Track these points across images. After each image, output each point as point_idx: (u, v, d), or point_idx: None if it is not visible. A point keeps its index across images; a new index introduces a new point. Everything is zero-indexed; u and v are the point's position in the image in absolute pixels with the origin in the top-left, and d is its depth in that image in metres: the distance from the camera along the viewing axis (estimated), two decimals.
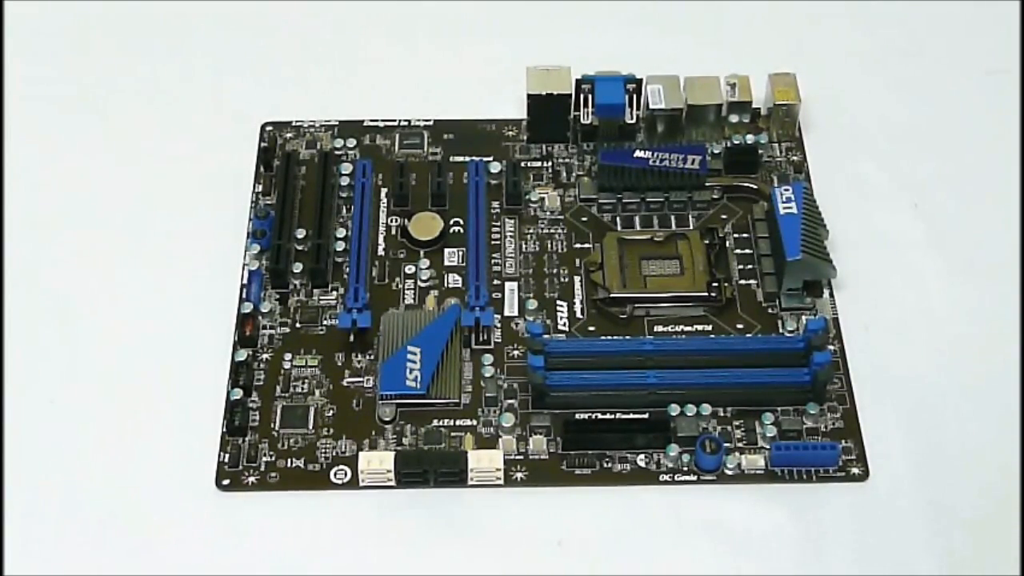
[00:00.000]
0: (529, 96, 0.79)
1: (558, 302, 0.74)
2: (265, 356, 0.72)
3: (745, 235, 0.77)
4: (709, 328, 0.73)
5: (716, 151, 0.80)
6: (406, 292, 0.75)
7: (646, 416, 0.69)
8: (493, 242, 0.77)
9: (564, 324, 0.73)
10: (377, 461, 0.67)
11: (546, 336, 0.71)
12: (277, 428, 0.69)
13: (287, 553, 0.66)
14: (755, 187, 0.78)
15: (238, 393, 0.70)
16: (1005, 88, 0.84)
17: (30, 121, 0.82)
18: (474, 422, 0.70)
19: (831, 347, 0.71)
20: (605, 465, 0.68)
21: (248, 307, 0.73)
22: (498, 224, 0.77)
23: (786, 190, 0.75)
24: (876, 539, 0.66)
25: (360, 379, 0.71)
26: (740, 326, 0.73)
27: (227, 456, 0.68)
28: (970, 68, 0.85)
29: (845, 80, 0.84)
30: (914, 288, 0.75)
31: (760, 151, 0.80)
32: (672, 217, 0.77)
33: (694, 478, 0.68)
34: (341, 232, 0.76)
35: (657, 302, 0.73)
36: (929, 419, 0.70)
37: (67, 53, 0.86)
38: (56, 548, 0.66)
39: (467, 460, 0.67)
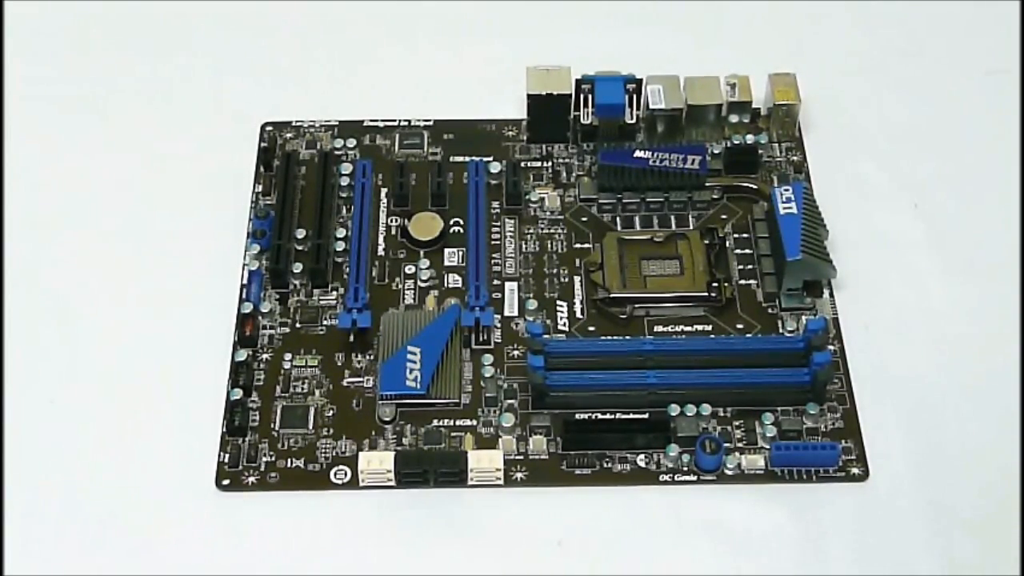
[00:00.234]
0: (529, 96, 0.79)
1: (558, 302, 0.74)
2: (265, 356, 0.72)
3: (745, 235, 0.77)
4: (709, 328, 0.73)
5: (716, 151, 0.80)
6: (406, 292, 0.75)
7: (646, 416, 0.69)
8: (493, 242, 0.77)
9: (564, 324, 0.73)
10: (377, 461, 0.67)
11: (546, 336, 0.71)
12: (277, 428, 0.69)
13: (287, 553, 0.66)
14: (755, 187, 0.78)
15: (238, 393, 0.70)
16: (1005, 88, 0.84)
17: (30, 121, 0.82)
18: (474, 422, 0.70)
19: (831, 347, 0.71)
20: (605, 465, 0.68)
21: (248, 307, 0.73)
22: (498, 224, 0.77)
23: (786, 190, 0.75)
24: (876, 539, 0.66)
25: (360, 379, 0.71)
26: (740, 326, 0.73)
27: (227, 456, 0.68)
28: (970, 68, 0.85)
29: (845, 80, 0.84)
30: (914, 288, 0.75)
31: (760, 151, 0.80)
32: (672, 217, 0.77)
33: (694, 478, 0.68)
34: (341, 232, 0.76)
35: (657, 302, 0.73)
36: (929, 419, 0.70)
37: (67, 53, 0.86)
38: (56, 548, 0.66)
39: (467, 460, 0.67)
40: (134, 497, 0.67)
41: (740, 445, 0.69)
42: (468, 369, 0.71)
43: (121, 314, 0.74)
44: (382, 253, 0.76)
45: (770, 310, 0.74)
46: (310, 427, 0.70)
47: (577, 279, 0.75)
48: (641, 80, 0.79)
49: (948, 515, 0.67)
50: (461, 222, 0.77)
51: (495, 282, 0.75)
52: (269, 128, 0.82)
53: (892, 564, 0.65)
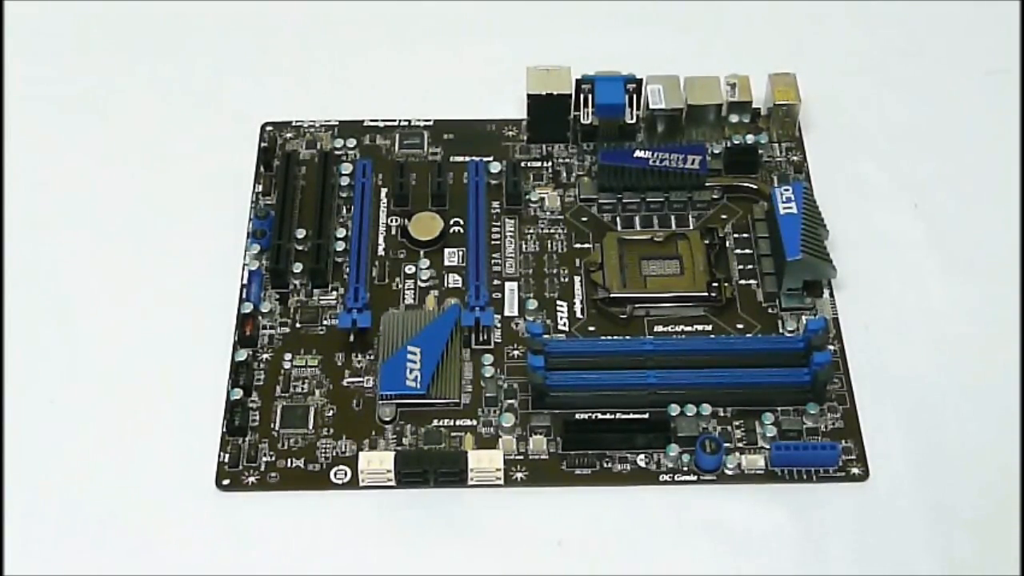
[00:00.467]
0: (529, 96, 0.79)
1: (558, 302, 0.74)
2: (265, 356, 0.72)
3: (745, 235, 0.77)
4: (709, 328, 0.73)
5: (716, 151, 0.80)
6: (406, 292, 0.75)
7: (646, 416, 0.69)
8: (493, 242, 0.77)
9: (564, 324, 0.73)
10: (377, 461, 0.67)
11: (546, 336, 0.71)
12: (277, 428, 0.69)
13: (287, 553, 0.66)
14: (755, 187, 0.78)
15: (238, 393, 0.70)
16: (1005, 88, 0.84)
17: (30, 121, 0.82)
18: (474, 422, 0.70)
19: (831, 347, 0.71)
20: (605, 465, 0.68)
21: (248, 307, 0.73)
22: (498, 224, 0.77)
23: (786, 190, 0.75)
24: (876, 539, 0.66)
25: (360, 379, 0.71)
26: (740, 326, 0.73)
27: (227, 456, 0.68)
28: (970, 68, 0.85)
29: (845, 80, 0.84)
30: (914, 288, 0.75)
31: (760, 151, 0.80)
32: (672, 217, 0.77)
33: (694, 478, 0.68)
34: (341, 232, 0.76)
35: (657, 302, 0.73)
36: (929, 419, 0.70)
37: (67, 53, 0.86)
38: (56, 548, 0.66)
39: (467, 460, 0.67)
40: (134, 497, 0.67)
41: (740, 445, 0.69)
42: (468, 369, 0.71)
43: (121, 314, 0.74)
44: (382, 253, 0.76)
45: (770, 310, 0.74)
46: (310, 427, 0.70)
47: (577, 279, 0.75)
48: (641, 80, 0.79)
49: (948, 515, 0.67)
50: (461, 222, 0.77)
51: (495, 282, 0.75)
52: (269, 128, 0.82)
53: (892, 564, 0.65)
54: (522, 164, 0.80)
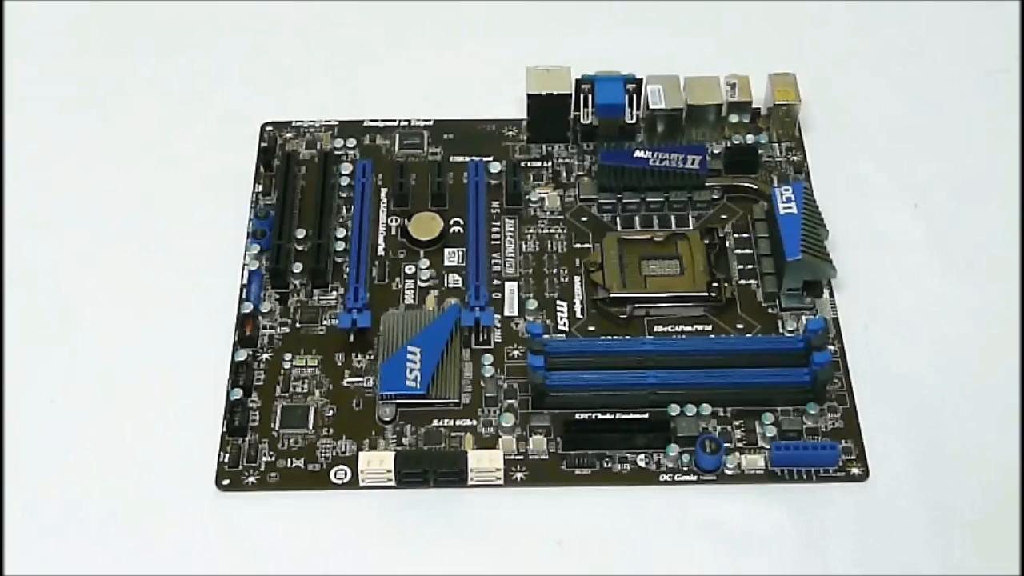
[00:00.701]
0: (529, 96, 0.79)
1: (558, 302, 0.74)
2: (265, 356, 0.72)
3: (745, 235, 0.77)
4: (709, 328, 0.73)
5: (716, 151, 0.80)
6: (406, 292, 0.75)
7: (646, 416, 0.69)
8: (493, 242, 0.77)
9: (564, 324, 0.73)
10: (377, 461, 0.67)
11: (546, 336, 0.71)
12: (277, 428, 0.69)
13: (287, 553, 0.66)
14: (755, 187, 0.78)
15: (238, 393, 0.70)
16: (1005, 88, 0.84)
17: (30, 121, 0.82)
18: (474, 422, 0.70)
19: (831, 347, 0.71)
20: (605, 465, 0.68)
21: (248, 307, 0.73)
22: (498, 224, 0.77)
23: (786, 190, 0.75)
24: (876, 539, 0.66)
25: (360, 379, 0.71)
26: (740, 326, 0.73)
27: (227, 456, 0.68)
28: (970, 68, 0.85)
29: (845, 80, 0.84)
30: (914, 288, 0.75)
31: (760, 151, 0.80)
32: (672, 217, 0.77)
33: (694, 478, 0.68)
34: (341, 232, 0.76)
35: (657, 302, 0.73)
36: (929, 419, 0.70)
37: (67, 53, 0.86)
38: (56, 548, 0.66)
39: (467, 460, 0.67)
40: (134, 497, 0.67)
41: (740, 445, 0.69)
42: (468, 369, 0.71)
43: (121, 314, 0.74)
44: (382, 253, 0.76)
45: (770, 310, 0.74)
46: (310, 427, 0.70)
47: (577, 279, 0.75)
48: (641, 80, 0.79)
49: (948, 515, 0.67)
50: (461, 222, 0.77)
51: (495, 282, 0.75)
52: (269, 128, 0.82)
53: (892, 564, 0.65)
54: (522, 164, 0.80)
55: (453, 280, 0.75)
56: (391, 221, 0.78)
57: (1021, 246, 0.76)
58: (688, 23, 0.88)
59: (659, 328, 0.73)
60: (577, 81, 0.79)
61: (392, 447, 0.69)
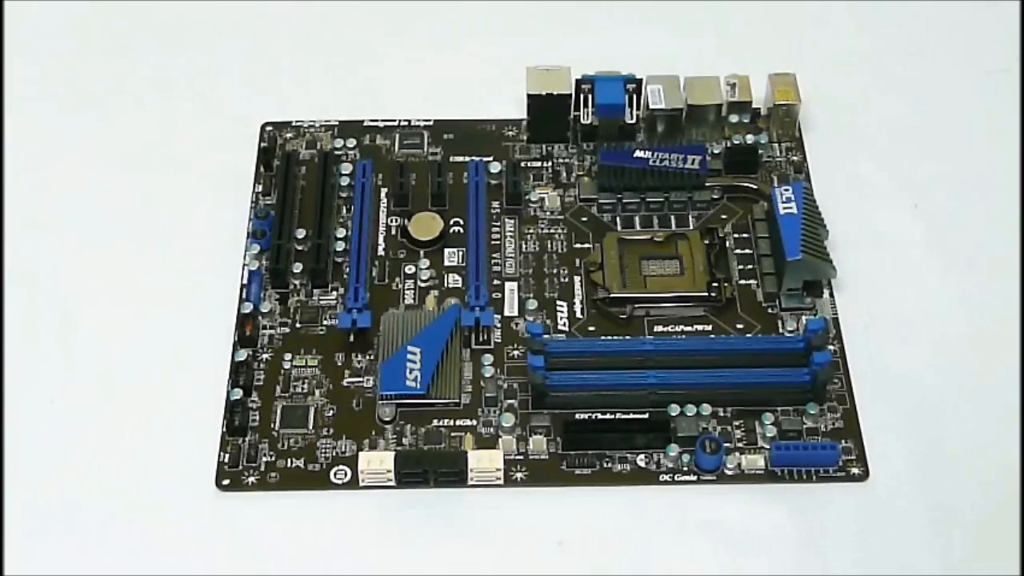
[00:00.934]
0: (529, 96, 0.79)
1: (558, 302, 0.74)
2: (265, 356, 0.72)
3: (745, 235, 0.77)
4: (709, 328, 0.73)
5: (716, 151, 0.80)
6: (406, 292, 0.75)
7: (646, 416, 0.69)
8: (493, 242, 0.77)
9: (564, 324, 0.73)
10: (377, 461, 0.67)
11: (546, 336, 0.71)
12: (277, 428, 0.69)
13: (287, 553, 0.66)
14: (755, 187, 0.78)
15: (238, 393, 0.70)
16: (1005, 88, 0.84)
17: (30, 121, 0.82)
18: (474, 422, 0.70)
19: (831, 347, 0.71)
20: (605, 465, 0.68)
21: (248, 307, 0.73)
22: (498, 224, 0.77)
23: (786, 190, 0.75)
24: (876, 539, 0.66)
25: (360, 379, 0.71)
26: (740, 326, 0.73)
27: (227, 456, 0.68)
28: (970, 68, 0.85)
29: (845, 80, 0.84)
30: (914, 288, 0.75)
31: (760, 151, 0.80)
32: (672, 217, 0.77)
33: (694, 478, 0.68)
34: (341, 232, 0.76)
35: (657, 302, 0.73)
36: (929, 419, 0.70)
37: (67, 53, 0.86)
38: (56, 548, 0.66)
39: (467, 460, 0.67)
40: (134, 497, 0.67)
41: (740, 445, 0.69)
42: (468, 369, 0.71)
43: (121, 314, 0.74)
44: (382, 253, 0.76)
45: (770, 310, 0.74)
46: (310, 427, 0.70)
47: (577, 279, 0.75)
48: (641, 80, 0.79)
49: (948, 515, 0.67)
50: (461, 222, 0.77)
51: (495, 282, 0.75)
52: (269, 128, 0.82)
53: (892, 564, 0.65)
54: (522, 164, 0.80)
55: (453, 280, 0.75)
56: (391, 221, 0.78)
57: (1021, 246, 0.76)
58: (688, 23, 0.88)
59: (659, 328, 0.73)
60: (577, 81, 0.79)
61: (392, 447, 0.69)
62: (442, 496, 0.68)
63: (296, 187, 0.78)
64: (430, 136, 0.82)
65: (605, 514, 0.67)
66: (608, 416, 0.70)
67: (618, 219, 0.77)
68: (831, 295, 0.74)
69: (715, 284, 0.73)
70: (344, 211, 0.78)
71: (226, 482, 0.68)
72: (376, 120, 0.82)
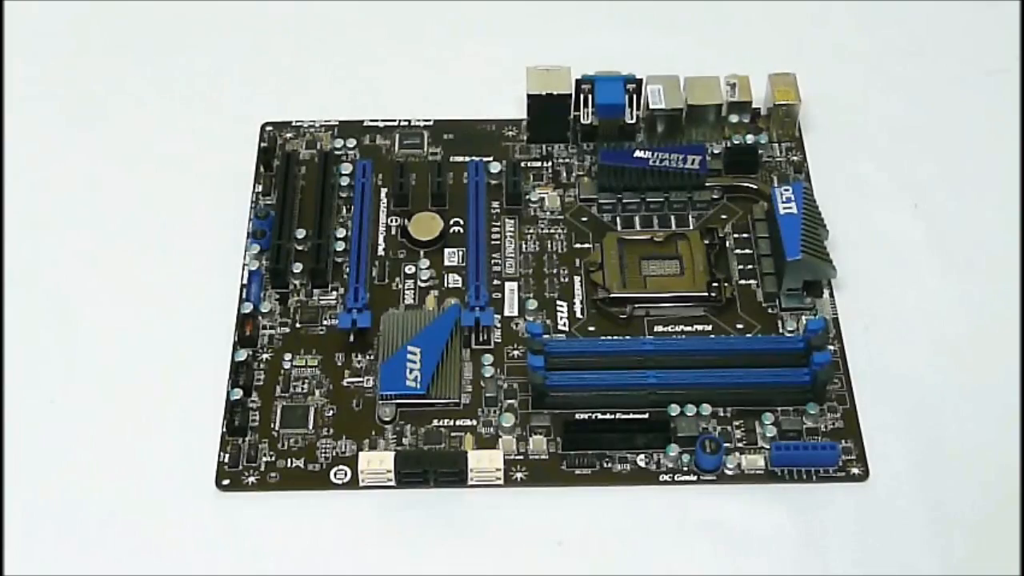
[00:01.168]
0: (529, 96, 0.79)
1: (558, 302, 0.74)
2: (265, 356, 0.72)
3: (745, 235, 0.77)
4: (709, 328, 0.73)
5: (716, 151, 0.80)
6: (406, 292, 0.75)
7: (646, 416, 0.69)
8: (493, 242, 0.77)
9: (564, 324, 0.73)
10: (377, 461, 0.67)
11: (546, 336, 0.71)
12: (277, 428, 0.69)
13: (287, 553, 0.66)
14: (755, 187, 0.78)
15: (238, 393, 0.70)
16: (1005, 88, 0.84)
17: (30, 121, 0.82)
18: (474, 422, 0.70)
19: (831, 347, 0.71)
20: (605, 465, 0.68)
21: (248, 307, 0.73)
22: (498, 224, 0.77)
23: (786, 190, 0.75)
24: (876, 539, 0.66)
25: (360, 379, 0.71)
26: (740, 326, 0.73)
27: (227, 456, 0.68)
28: (970, 68, 0.85)
29: (845, 80, 0.84)
30: (914, 288, 0.75)
31: (760, 151, 0.80)
32: (672, 217, 0.77)
33: (694, 478, 0.68)
34: (341, 232, 0.76)
35: (657, 302, 0.73)
36: (929, 419, 0.70)
37: (67, 53, 0.86)
38: (56, 548, 0.66)
39: (467, 460, 0.67)
40: (134, 497, 0.67)
41: (740, 445, 0.69)
42: (468, 369, 0.71)
43: (121, 314, 0.74)
44: (382, 253, 0.76)
45: (770, 310, 0.74)
46: (310, 427, 0.70)
47: (577, 279, 0.75)
48: (641, 80, 0.79)
49: (948, 515, 0.67)
50: (461, 222, 0.77)
51: (495, 282, 0.75)
52: (269, 128, 0.82)
53: (892, 564, 0.65)
54: (522, 164, 0.80)
55: (453, 280, 0.75)
56: (391, 221, 0.78)
57: (1021, 246, 0.76)
58: (688, 23, 0.88)
59: (659, 328, 0.73)
60: (577, 81, 0.79)
61: (392, 447, 0.69)
62: (442, 496, 0.68)
63: (296, 187, 0.78)
64: (430, 136, 0.82)
65: (605, 514, 0.67)
66: (608, 416, 0.70)
67: (618, 219, 0.77)
68: (831, 295, 0.74)
69: (715, 284, 0.73)
70: (344, 211, 0.78)
71: (226, 482, 0.68)
72: (376, 120, 0.82)
